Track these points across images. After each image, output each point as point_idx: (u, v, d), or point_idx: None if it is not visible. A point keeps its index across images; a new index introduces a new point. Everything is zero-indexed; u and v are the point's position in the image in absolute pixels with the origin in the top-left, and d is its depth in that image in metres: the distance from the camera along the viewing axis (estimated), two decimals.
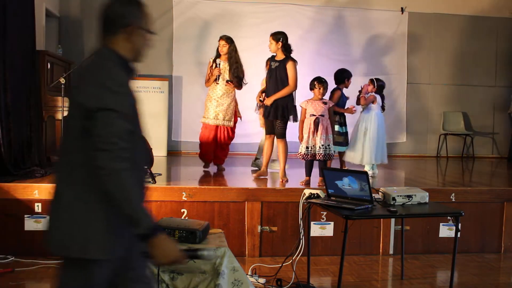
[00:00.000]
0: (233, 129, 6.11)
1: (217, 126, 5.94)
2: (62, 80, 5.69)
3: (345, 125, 5.85)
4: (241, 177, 5.86)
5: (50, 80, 6.39)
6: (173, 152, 8.10)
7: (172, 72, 8.23)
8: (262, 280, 3.87)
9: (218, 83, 5.86)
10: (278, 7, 8.39)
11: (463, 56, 8.98)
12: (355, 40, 8.63)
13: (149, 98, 7.69)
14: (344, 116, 5.84)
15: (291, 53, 5.30)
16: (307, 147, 5.03)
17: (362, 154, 5.69)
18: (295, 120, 5.28)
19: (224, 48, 5.81)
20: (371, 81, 5.86)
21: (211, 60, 5.95)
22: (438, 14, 8.83)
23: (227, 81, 5.84)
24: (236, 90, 6.00)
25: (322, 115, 5.05)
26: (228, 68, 5.84)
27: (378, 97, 5.79)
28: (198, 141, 6.07)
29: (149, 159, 4.80)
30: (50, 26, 7.56)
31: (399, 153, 8.54)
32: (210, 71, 5.92)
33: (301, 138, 5.10)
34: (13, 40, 5.16)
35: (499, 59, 9.10)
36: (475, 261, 4.73)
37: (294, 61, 5.24)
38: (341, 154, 5.89)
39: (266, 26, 8.26)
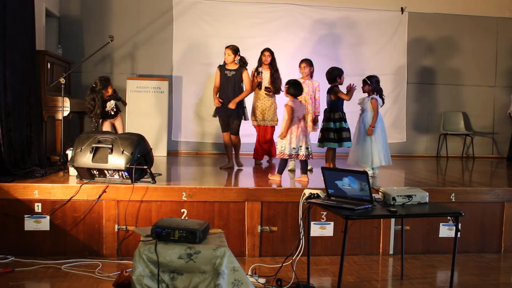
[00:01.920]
0: (273, 128, 6.84)
1: (263, 127, 6.72)
2: (62, 80, 5.68)
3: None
4: (241, 177, 5.85)
5: (50, 80, 6.40)
6: (173, 152, 8.10)
7: (172, 72, 8.23)
8: (262, 280, 3.87)
9: (260, 89, 6.57)
10: (279, 7, 8.39)
11: (463, 56, 8.98)
12: (356, 40, 8.63)
13: (149, 98, 7.71)
14: (344, 113, 5.87)
15: (246, 64, 6.15)
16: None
17: (371, 156, 5.66)
18: (246, 118, 6.31)
19: (268, 59, 6.56)
20: (364, 81, 5.79)
21: (254, 69, 6.60)
22: (438, 14, 8.83)
23: (266, 88, 6.52)
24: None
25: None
26: (269, 76, 6.58)
27: (379, 99, 5.75)
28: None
29: (150, 159, 4.80)
30: (50, 26, 7.57)
31: (399, 153, 8.54)
32: (253, 79, 6.53)
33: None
34: (13, 40, 5.16)
35: (499, 59, 9.10)
36: (475, 261, 4.72)
37: (246, 69, 6.14)
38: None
39: (267, 26, 8.32)
